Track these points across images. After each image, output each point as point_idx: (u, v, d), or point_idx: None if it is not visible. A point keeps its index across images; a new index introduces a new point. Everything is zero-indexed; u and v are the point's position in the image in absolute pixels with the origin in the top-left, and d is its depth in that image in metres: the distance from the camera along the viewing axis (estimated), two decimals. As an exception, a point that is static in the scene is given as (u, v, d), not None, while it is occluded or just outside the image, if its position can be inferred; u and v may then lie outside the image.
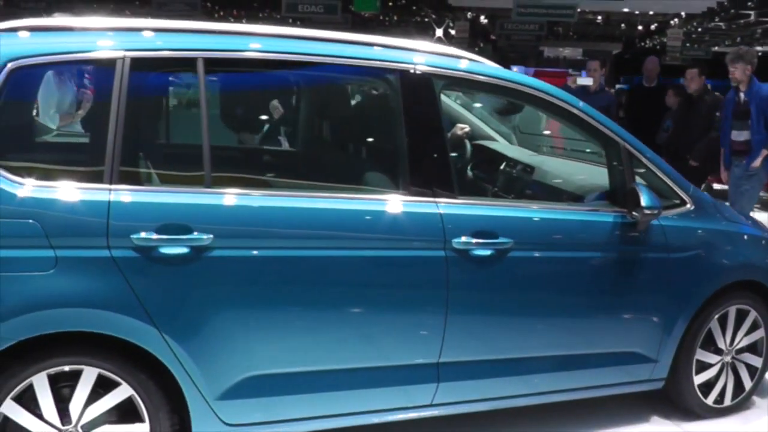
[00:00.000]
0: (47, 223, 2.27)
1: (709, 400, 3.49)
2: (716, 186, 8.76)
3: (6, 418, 2.32)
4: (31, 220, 2.26)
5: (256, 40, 2.63)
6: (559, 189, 3.51)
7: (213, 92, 2.54)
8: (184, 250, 2.38)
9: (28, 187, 2.27)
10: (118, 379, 2.41)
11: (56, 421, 2.38)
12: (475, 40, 28.14)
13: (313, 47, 2.70)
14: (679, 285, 3.24)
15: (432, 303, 2.72)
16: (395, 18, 29.92)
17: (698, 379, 3.43)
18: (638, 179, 3.15)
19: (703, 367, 3.44)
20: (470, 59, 2.97)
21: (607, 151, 3.17)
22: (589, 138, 3.18)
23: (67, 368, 2.36)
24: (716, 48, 27.63)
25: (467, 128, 4.07)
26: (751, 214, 5.41)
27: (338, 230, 2.58)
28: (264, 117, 3.27)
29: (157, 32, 2.54)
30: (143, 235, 2.33)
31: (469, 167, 4.04)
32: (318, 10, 16.46)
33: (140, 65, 2.43)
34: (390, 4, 26.89)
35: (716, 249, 3.34)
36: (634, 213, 3.02)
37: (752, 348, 3.57)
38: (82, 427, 2.41)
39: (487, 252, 2.77)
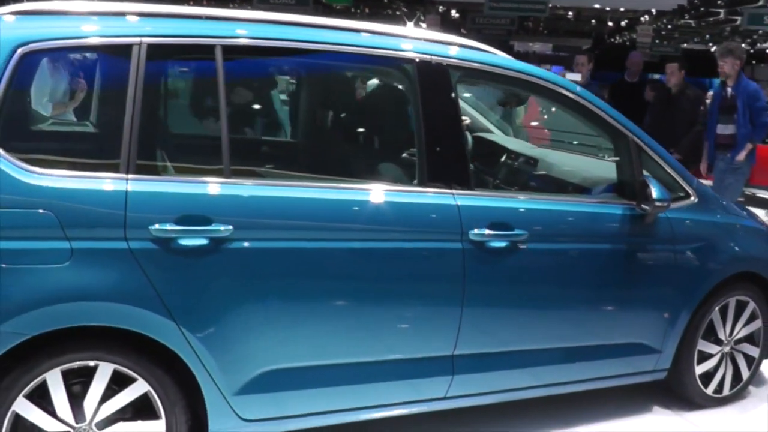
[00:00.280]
0: (62, 214, 2.19)
1: (709, 390, 3.53)
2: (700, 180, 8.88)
3: (17, 416, 2.25)
4: (45, 211, 2.18)
5: (276, 28, 2.58)
6: (566, 181, 3.51)
7: (231, 80, 2.46)
8: (203, 241, 2.33)
9: (42, 177, 2.19)
10: (134, 375, 2.35)
11: (70, 419, 2.31)
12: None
13: (331, 36, 2.66)
14: (684, 276, 3.27)
15: (448, 295, 2.71)
16: (366, 10, 29.80)
17: (699, 369, 3.48)
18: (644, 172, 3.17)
19: (704, 357, 3.49)
20: (485, 50, 2.95)
21: (617, 144, 3.18)
22: (601, 131, 3.19)
23: (81, 364, 2.29)
24: (685, 45, 28.09)
25: (467, 120, 4.06)
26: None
27: (357, 222, 2.55)
28: (281, 107, 3.21)
29: (174, 18, 2.47)
30: (162, 226, 2.27)
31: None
32: (289, 1, 16.30)
33: (157, 52, 2.36)
34: (361, -5, 26.76)
35: (719, 241, 3.38)
36: (643, 205, 3.03)
37: (750, 338, 3.62)
38: (96, 424, 2.35)
39: (503, 244, 2.77)
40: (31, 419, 2.27)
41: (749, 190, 9.23)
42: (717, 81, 6.74)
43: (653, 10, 22.83)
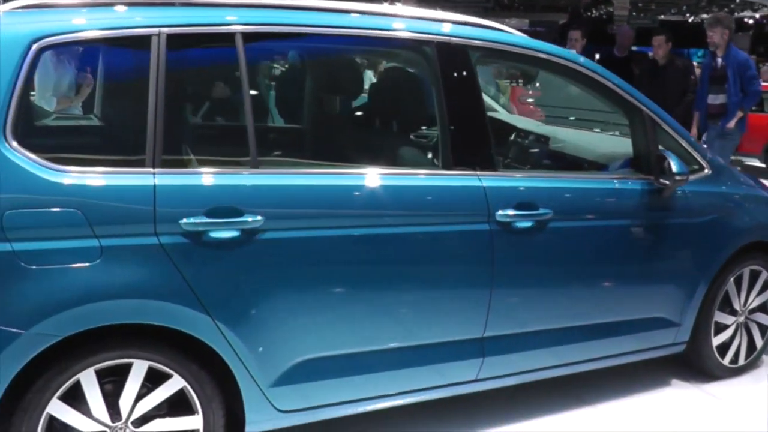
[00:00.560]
0: (90, 212, 2.14)
1: (726, 361, 3.57)
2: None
3: (51, 419, 2.21)
4: (72, 209, 2.13)
5: (295, 13, 2.53)
6: (582, 158, 3.50)
7: (253, 68, 2.42)
8: (234, 233, 2.29)
9: (67, 175, 2.14)
10: (170, 371, 2.32)
11: (105, 418, 2.27)
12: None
13: (351, 20, 2.61)
14: (701, 248, 3.29)
15: (478, 277, 2.70)
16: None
17: (716, 340, 3.51)
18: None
19: (720, 328, 3.52)
20: (501, 29, 2.92)
21: (632, 119, 3.17)
22: (616, 107, 3.18)
23: (115, 363, 2.25)
24: (662, 16, 28.16)
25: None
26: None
27: (386, 208, 2.52)
28: (304, 93, 3.15)
29: (191, 6, 2.41)
30: (192, 219, 2.23)
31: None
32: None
33: (176, 42, 2.30)
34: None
35: (734, 212, 3.40)
36: (661, 180, 3.03)
37: (762, 308, 3.66)
38: (132, 422, 2.32)
39: (529, 224, 2.76)
40: (66, 421, 2.23)
41: (737, 158, 9.34)
42: (696, 51, 6.82)
43: (630, -18, 22.83)
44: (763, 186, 3.86)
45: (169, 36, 2.28)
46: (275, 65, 2.83)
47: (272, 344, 2.40)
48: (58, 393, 2.20)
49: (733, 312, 3.55)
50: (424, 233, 2.59)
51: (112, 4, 2.35)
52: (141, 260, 2.21)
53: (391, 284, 2.57)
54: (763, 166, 9.99)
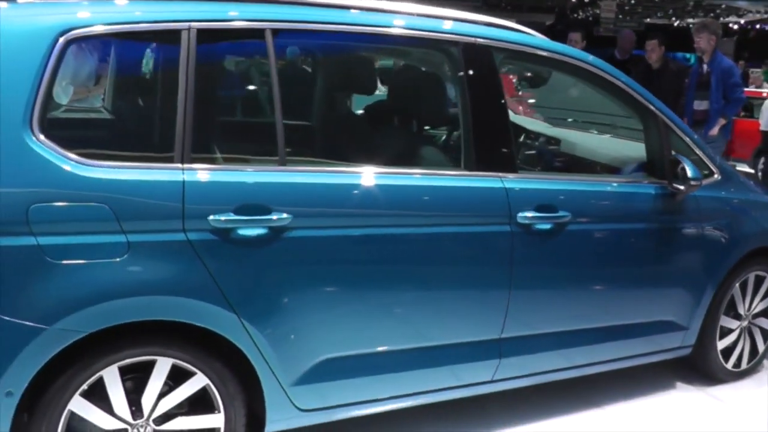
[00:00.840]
0: (118, 207, 2.12)
1: (729, 364, 3.61)
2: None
3: (72, 415, 2.18)
4: (100, 204, 2.10)
5: (325, 11, 2.51)
6: (596, 162, 3.52)
7: (282, 65, 2.40)
8: (262, 231, 2.27)
9: (94, 169, 2.10)
10: (193, 369, 2.30)
11: (127, 416, 2.25)
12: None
13: (378, 18, 2.59)
14: (709, 253, 3.32)
15: (498, 278, 2.71)
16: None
17: (721, 344, 3.55)
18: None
19: (724, 332, 3.56)
20: (524, 31, 2.93)
21: (647, 124, 3.20)
22: (632, 111, 3.20)
23: (139, 360, 2.23)
24: (648, 20, 28.39)
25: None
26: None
27: (412, 208, 2.52)
28: (331, 92, 3.13)
29: (221, 1, 2.39)
30: (221, 216, 2.21)
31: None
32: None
33: (206, 37, 2.28)
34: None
35: (742, 218, 3.44)
36: (675, 184, 3.06)
37: (765, 313, 3.71)
38: (153, 420, 2.30)
39: (548, 226, 2.77)
40: (88, 418, 2.21)
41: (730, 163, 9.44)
42: (680, 54, 6.86)
43: (617, -15, 22.99)
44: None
45: (200, 31, 2.26)
46: (304, 63, 2.80)
47: (296, 343, 2.39)
48: (81, 390, 2.17)
49: (738, 316, 3.59)
50: (448, 234, 2.59)
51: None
52: (168, 257, 2.18)
53: (413, 284, 2.57)
54: (752, 171, 10.12)
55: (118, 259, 2.13)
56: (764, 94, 10.73)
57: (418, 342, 2.64)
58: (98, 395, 2.21)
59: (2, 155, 2.01)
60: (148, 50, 2.43)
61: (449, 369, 2.73)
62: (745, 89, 7.42)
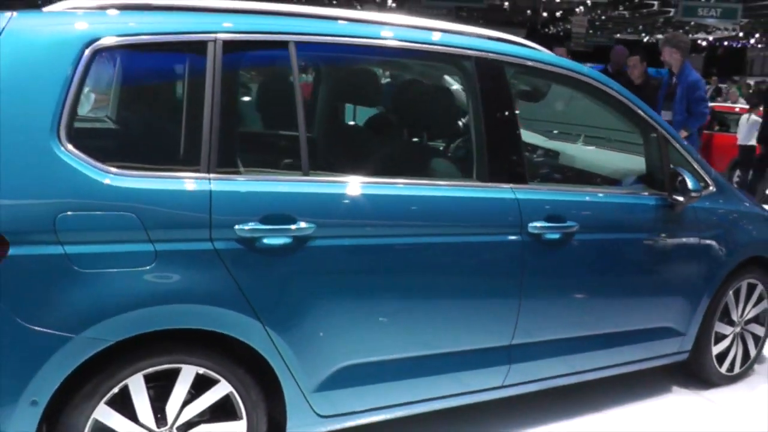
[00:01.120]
0: (146, 216, 2.13)
1: (723, 369, 3.72)
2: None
3: (96, 423, 2.18)
4: (127, 213, 2.12)
5: (344, 25, 2.56)
6: (597, 174, 3.61)
7: (304, 77, 2.44)
8: (287, 240, 2.31)
9: (122, 179, 2.12)
10: (217, 376, 2.32)
11: (152, 424, 2.26)
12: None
13: (396, 33, 2.65)
14: (706, 262, 3.43)
15: (510, 286, 2.77)
16: (302, 2, 29.58)
17: (716, 349, 3.66)
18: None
19: (719, 338, 3.67)
20: (532, 47, 3.01)
21: (647, 137, 3.30)
22: (634, 126, 3.30)
23: (164, 368, 2.24)
24: (618, 35, 28.95)
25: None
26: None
27: (430, 218, 2.57)
28: (351, 104, 3.18)
29: (246, 14, 2.43)
30: (247, 226, 2.24)
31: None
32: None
33: (232, 48, 2.31)
34: (300, -14, 26.46)
35: (736, 228, 3.56)
36: (675, 196, 3.16)
37: (757, 319, 3.83)
38: (177, 428, 2.31)
39: (556, 236, 2.84)
40: (113, 426, 2.21)
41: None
42: (651, 70, 6.98)
43: (588, 1, 23.46)
44: (758, 204, 4.04)
45: (225, 42, 2.30)
46: (325, 75, 2.85)
47: (317, 350, 2.43)
48: (106, 398, 2.18)
49: (731, 323, 3.70)
50: (463, 243, 2.65)
51: (168, 8, 2.35)
52: (195, 266, 2.21)
53: (430, 292, 2.62)
54: (728, 184, 10.36)
55: (145, 268, 2.14)
56: (737, 110, 11.02)
57: (433, 349, 2.69)
58: (121, 403, 2.22)
59: (30, 165, 2.03)
60: (174, 61, 2.45)
61: (462, 375, 2.79)
62: (725, 105, 7.59)
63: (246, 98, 2.60)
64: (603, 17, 25.93)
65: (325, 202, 2.38)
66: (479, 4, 23.55)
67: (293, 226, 2.30)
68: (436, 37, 2.73)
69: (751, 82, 18.69)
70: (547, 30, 32.51)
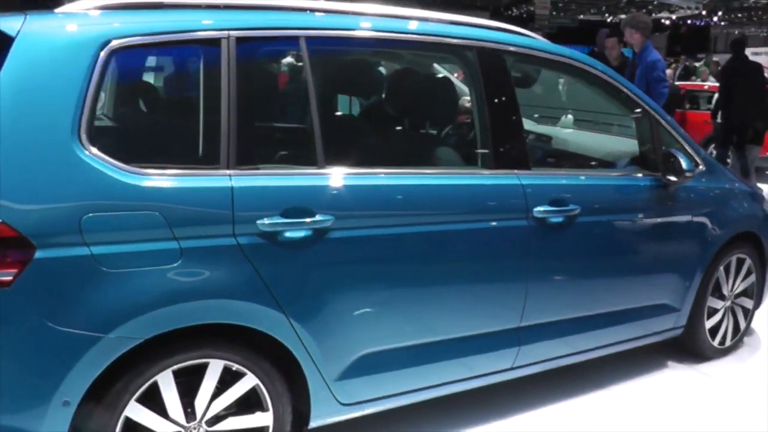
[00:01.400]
0: (170, 214, 2.16)
1: (716, 342, 3.85)
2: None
3: (127, 421, 2.21)
4: (152, 212, 2.14)
5: (355, 18, 2.60)
6: (592, 157, 3.70)
7: (316, 71, 2.47)
8: (307, 233, 2.35)
9: (145, 178, 2.14)
10: (244, 370, 2.36)
11: (181, 419, 2.29)
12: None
13: (403, 25, 2.69)
14: (699, 239, 3.54)
15: (517, 270, 2.86)
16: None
17: (708, 323, 3.78)
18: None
19: (710, 312, 3.79)
20: (528, 35, 3.08)
21: (640, 120, 3.39)
22: (627, 109, 3.39)
23: (192, 363, 2.27)
24: (582, 16, 29.16)
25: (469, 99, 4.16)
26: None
27: (443, 206, 2.64)
28: (361, 97, 3.21)
29: (257, 10, 2.45)
30: (269, 220, 2.28)
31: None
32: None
33: (245, 45, 2.33)
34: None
35: (726, 205, 3.68)
36: (669, 176, 3.26)
37: (745, 292, 3.96)
38: (206, 422, 2.34)
39: (560, 219, 2.92)
40: (143, 422, 2.24)
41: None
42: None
43: (551, -18, 23.56)
44: (743, 181, 4.18)
45: (238, 38, 2.32)
46: (336, 68, 2.87)
47: (339, 339, 2.48)
48: (137, 395, 2.21)
49: (722, 297, 3.83)
50: (475, 230, 2.71)
51: (180, 7, 2.36)
52: (220, 261, 2.24)
53: (445, 279, 2.69)
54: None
55: (171, 266, 2.17)
56: (706, 87, 11.25)
57: (448, 334, 2.76)
58: (154, 399, 2.24)
59: (51, 167, 2.04)
60: (189, 59, 2.46)
61: (475, 359, 2.86)
62: (695, 83, 7.68)
63: (261, 93, 2.60)
64: (566, -2, 26.14)
65: (342, 194, 2.42)
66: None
67: (312, 219, 2.34)
68: (439, 28, 2.77)
69: (716, 59, 19.04)
70: (510, 12, 32.57)
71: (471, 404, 3.17)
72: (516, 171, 2.84)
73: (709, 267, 3.63)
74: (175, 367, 2.25)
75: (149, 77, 2.50)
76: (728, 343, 3.93)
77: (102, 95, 2.13)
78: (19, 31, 2.07)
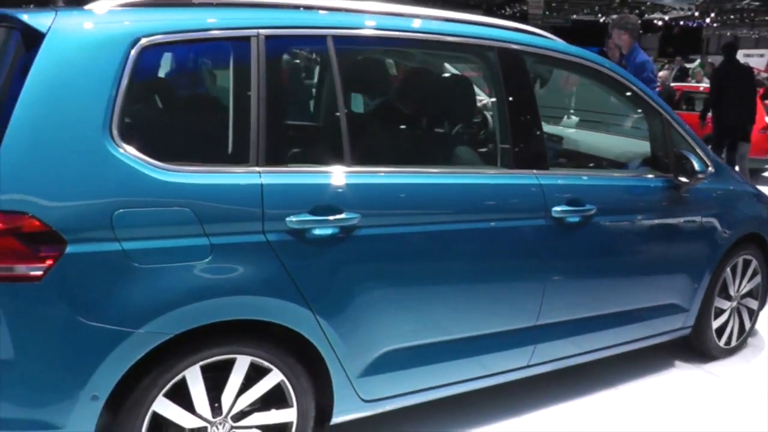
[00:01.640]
0: (201, 211, 2.17)
1: (722, 342, 3.90)
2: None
3: (154, 416, 2.23)
4: (183, 208, 2.15)
5: (376, 17, 2.62)
6: (606, 158, 3.74)
7: (343, 70, 2.49)
8: (334, 230, 2.37)
9: (176, 174, 2.15)
10: (269, 366, 2.37)
11: (207, 414, 2.31)
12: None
13: (428, 25, 2.71)
14: (707, 240, 3.59)
15: (536, 269, 2.89)
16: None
17: (715, 323, 3.83)
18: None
19: (717, 313, 3.84)
20: (546, 36, 3.11)
21: (652, 121, 3.43)
22: (640, 110, 3.42)
23: (220, 359, 2.29)
24: (575, 16, 29.29)
25: (484, 99, 4.19)
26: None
27: (466, 205, 2.66)
28: (386, 96, 3.22)
29: (285, 9, 2.46)
30: (298, 217, 2.29)
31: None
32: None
33: (274, 43, 2.35)
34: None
35: (734, 206, 3.73)
36: (681, 177, 3.30)
37: (751, 293, 4.02)
38: (232, 417, 2.36)
39: (577, 219, 2.95)
40: (170, 417, 2.25)
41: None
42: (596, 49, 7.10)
43: (545, -18, 23.65)
44: (750, 183, 4.24)
45: (267, 37, 2.33)
46: (362, 67, 2.89)
47: (363, 336, 2.50)
48: (164, 390, 2.22)
49: (729, 297, 3.88)
50: (496, 229, 2.74)
51: (210, 5, 2.37)
52: (250, 257, 2.25)
53: (466, 277, 2.71)
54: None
55: (202, 262, 2.18)
56: (701, 89, 11.33)
57: (467, 332, 2.78)
58: (181, 394, 2.25)
59: (83, 163, 2.04)
60: (220, 56, 2.47)
61: (493, 357, 2.89)
62: (691, 84, 7.72)
63: (290, 91, 2.63)
64: (560, -2, 26.24)
65: (368, 192, 2.44)
66: (437, -13, 23.59)
67: (339, 216, 2.36)
68: (463, 28, 2.80)
69: (710, 60, 19.17)
70: (503, 11, 32.65)
71: (482, 402, 3.20)
72: (535, 171, 2.87)
73: (717, 268, 3.68)
74: (203, 362, 2.26)
75: (178, 74, 2.51)
76: (734, 343, 3.98)
77: (133, 92, 2.14)
78: (50, 28, 2.07)
